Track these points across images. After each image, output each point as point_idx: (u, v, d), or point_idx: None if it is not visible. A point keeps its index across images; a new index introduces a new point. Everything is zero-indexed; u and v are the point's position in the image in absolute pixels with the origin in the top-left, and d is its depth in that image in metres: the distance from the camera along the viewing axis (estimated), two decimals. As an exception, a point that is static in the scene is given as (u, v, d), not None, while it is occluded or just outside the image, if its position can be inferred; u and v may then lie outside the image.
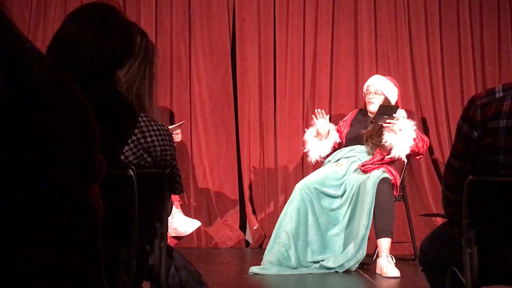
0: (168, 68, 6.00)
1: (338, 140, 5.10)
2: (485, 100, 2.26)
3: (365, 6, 6.06)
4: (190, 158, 5.97)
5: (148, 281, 2.52)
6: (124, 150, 2.46)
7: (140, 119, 2.49)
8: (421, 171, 5.93)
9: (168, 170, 2.47)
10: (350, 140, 5.07)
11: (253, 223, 5.88)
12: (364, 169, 4.81)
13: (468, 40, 6.11)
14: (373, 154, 4.91)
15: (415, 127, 4.86)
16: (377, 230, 4.69)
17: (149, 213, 2.42)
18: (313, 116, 5.11)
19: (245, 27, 6.06)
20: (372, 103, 4.97)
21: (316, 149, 5.07)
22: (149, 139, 2.52)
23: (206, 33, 6.06)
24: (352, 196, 4.79)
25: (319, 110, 5.11)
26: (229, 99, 6.05)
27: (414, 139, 4.80)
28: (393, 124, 4.77)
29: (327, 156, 5.11)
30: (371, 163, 4.84)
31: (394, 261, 4.64)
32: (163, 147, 2.54)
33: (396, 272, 4.52)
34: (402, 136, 4.77)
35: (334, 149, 5.11)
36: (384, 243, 4.66)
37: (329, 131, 5.07)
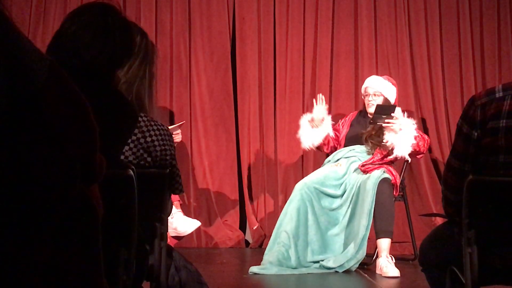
0: (168, 68, 6.00)
1: (331, 133, 5.10)
2: (485, 100, 2.26)
3: (365, 6, 6.06)
4: (190, 158, 5.97)
5: (148, 281, 2.52)
6: (124, 150, 2.46)
7: (140, 119, 2.49)
8: (421, 171, 5.93)
9: (168, 170, 2.47)
10: (350, 140, 5.07)
11: (253, 223, 5.88)
12: (364, 169, 4.81)
13: (468, 40, 6.11)
14: (372, 154, 4.91)
15: (415, 126, 4.86)
16: (377, 230, 4.69)
17: (149, 213, 2.42)
18: (313, 100, 5.12)
19: (245, 27, 6.07)
20: (372, 105, 4.97)
21: (308, 136, 5.08)
22: (149, 139, 2.52)
23: (206, 33, 6.06)
24: (352, 196, 4.79)
25: (320, 95, 5.11)
26: (229, 99, 6.05)
27: (416, 138, 4.80)
28: (393, 123, 4.77)
29: (321, 147, 5.11)
30: (371, 163, 4.84)
31: (394, 261, 4.64)
32: (163, 147, 2.54)
33: (396, 272, 4.52)
34: (403, 135, 4.77)
35: (327, 142, 5.10)
36: (384, 243, 4.66)
37: (323, 119, 5.06)
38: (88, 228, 1.41)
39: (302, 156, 5.98)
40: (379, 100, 4.99)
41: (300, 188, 4.81)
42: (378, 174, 4.75)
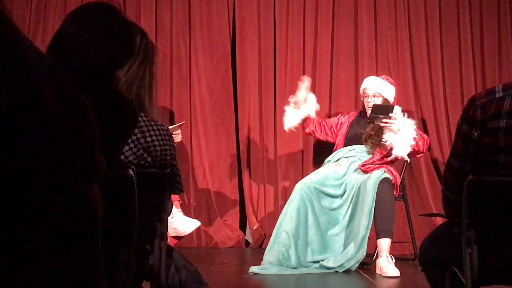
0: (168, 68, 6.00)
1: (313, 114, 5.13)
2: (485, 100, 2.26)
3: (365, 6, 6.06)
4: (190, 158, 5.97)
5: (148, 281, 2.52)
6: (124, 150, 2.46)
7: (140, 119, 2.49)
8: (421, 171, 5.93)
9: (168, 170, 2.47)
10: (349, 140, 5.07)
11: (253, 223, 5.88)
12: (365, 169, 4.81)
13: (468, 40, 6.11)
14: (372, 153, 4.91)
15: (415, 126, 4.86)
16: (377, 230, 4.69)
17: (149, 213, 2.42)
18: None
19: (245, 27, 6.07)
20: (371, 106, 4.97)
21: (289, 117, 5.12)
22: (149, 139, 2.52)
23: (206, 33, 6.06)
24: (353, 196, 4.79)
25: (304, 76, 5.19)
26: (229, 99, 6.05)
27: (414, 138, 4.79)
28: (391, 123, 4.76)
29: (306, 127, 5.18)
30: (371, 163, 4.84)
31: (394, 261, 4.64)
32: (163, 147, 2.55)
33: (396, 272, 4.52)
34: (402, 135, 4.77)
35: (309, 123, 5.13)
36: (384, 243, 4.66)
37: (306, 99, 5.10)
38: (88, 228, 1.41)
39: (302, 156, 5.98)
40: (378, 101, 4.99)
41: (300, 188, 4.82)
42: (379, 174, 4.75)
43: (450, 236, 2.39)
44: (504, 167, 2.24)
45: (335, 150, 5.14)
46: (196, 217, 5.47)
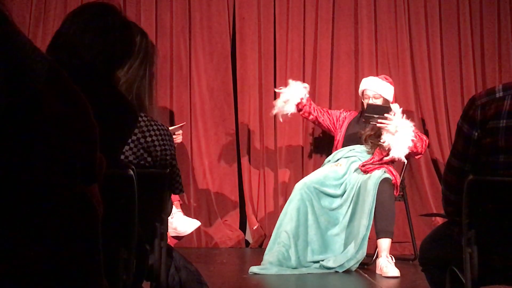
0: (168, 68, 6.00)
1: (304, 100, 5.15)
2: (485, 100, 2.26)
3: (365, 6, 6.06)
4: (190, 158, 5.97)
5: (148, 281, 2.52)
6: (124, 150, 2.46)
7: (140, 118, 2.49)
8: (421, 171, 5.93)
9: (168, 170, 2.47)
10: (349, 140, 5.07)
11: (253, 223, 5.88)
12: (365, 169, 4.81)
13: (468, 40, 6.11)
14: (372, 153, 4.91)
15: (413, 128, 4.85)
16: (378, 230, 4.69)
17: (149, 213, 2.42)
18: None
19: (245, 27, 6.07)
20: (366, 105, 4.97)
21: (281, 106, 5.18)
22: (149, 139, 2.52)
23: (206, 33, 6.06)
24: (353, 196, 4.79)
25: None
26: (229, 99, 6.05)
27: (412, 140, 4.79)
28: (387, 124, 4.76)
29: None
30: (371, 163, 4.84)
31: (394, 261, 4.64)
32: (163, 147, 2.55)
33: (396, 272, 4.52)
34: (400, 137, 4.76)
35: (303, 107, 5.17)
36: (384, 243, 4.66)
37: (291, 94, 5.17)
38: (88, 228, 1.41)
39: (302, 156, 5.98)
40: (378, 102, 4.99)
41: (300, 188, 4.81)
42: (379, 174, 4.75)
43: (450, 236, 2.39)
44: (504, 167, 2.24)
45: (335, 150, 5.14)
46: (196, 217, 5.47)
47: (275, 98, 6.02)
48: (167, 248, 2.56)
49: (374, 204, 4.66)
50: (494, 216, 2.26)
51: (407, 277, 4.53)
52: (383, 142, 4.80)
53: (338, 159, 5.01)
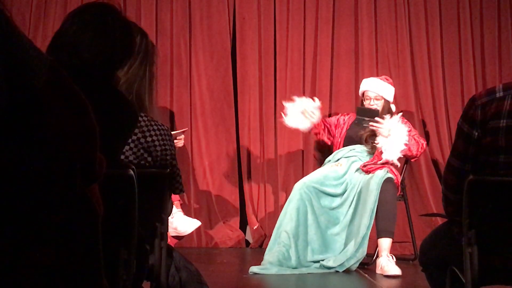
0: (168, 68, 6.00)
1: (318, 121, 5.10)
2: (486, 100, 2.26)
3: (365, 6, 6.06)
4: (190, 158, 5.97)
5: (148, 281, 2.52)
6: (124, 150, 2.46)
7: (140, 118, 2.49)
8: (421, 171, 5.93)
9: (168, 170, 2.47)
10: (349, 140, 5.07)
11: (253, 223, 5.88)
12: (367, 169, 4.81)
13: (468, 40, 6.11)
14: (373, 154, 4.91)
15: (407, 133, 4.83)
16: (379, 229, 4.69)
17: (149, 213, 2.42)
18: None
19: (245, 27, 6.07)
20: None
21: (293, 118, 5.12)
22: (149, 139, 2.52)
23: (206, 33, 6.06)
24: (354, 195, 4.78)
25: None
26: (229, 99, 6.05)
27: (406, 144, 4.78)
28: (377, 127, 4.77)
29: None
30: (373, 164, 4.84)
31: (395, 260, 4.63)
32: (163, 147, 2.55)
33: (397, 270, 4.51)
34: (393, 140, 4.77)
35: (316, 127, 5.12)
36: (385, 243, 4.66)
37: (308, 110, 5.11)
38: (88, 228, 1.41)
39: (303, 156, 5.98)
40: (380, 104, 5.00)
41: (299, 188, 4.82)
42: (382, 173, 4.75)
43: (450, 236, 2.39)
44: (504, 167, 2.24)
45: (335, 150, 5.14)
46: (196, 217, 5.47)
47: (275, 98, 6.03)
48: (167, 248, 2.56)
49: (376, 204, 4.66)
50: (494, 216, 2.25)
51: (407, 277, 4.53)
52: (377, 144, 4.81)
53: (338, 159, 5.01)
